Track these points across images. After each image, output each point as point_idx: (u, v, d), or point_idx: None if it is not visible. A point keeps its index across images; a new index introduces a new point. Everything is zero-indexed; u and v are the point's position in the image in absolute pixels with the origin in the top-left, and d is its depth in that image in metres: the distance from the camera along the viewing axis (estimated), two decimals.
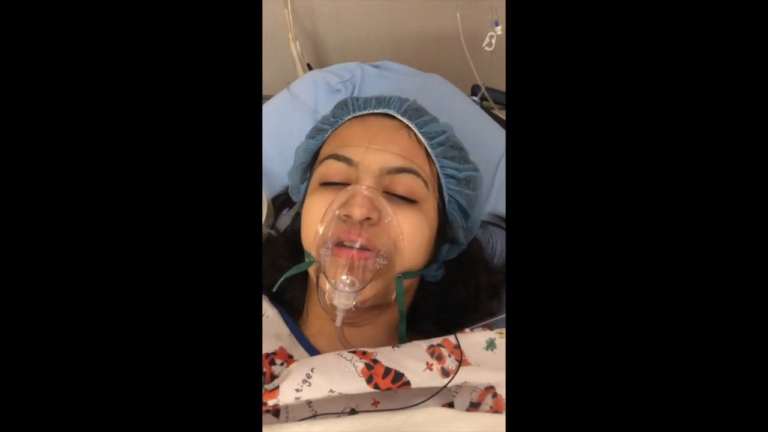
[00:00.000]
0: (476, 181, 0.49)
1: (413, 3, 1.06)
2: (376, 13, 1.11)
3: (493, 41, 0.72)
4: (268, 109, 0.68)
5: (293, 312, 0.49)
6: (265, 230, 0.58)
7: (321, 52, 1.26)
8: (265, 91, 1.44)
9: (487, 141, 0.61)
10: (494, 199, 0.59)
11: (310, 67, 1.17)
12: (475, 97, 0.76)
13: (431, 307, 0.49)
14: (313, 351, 0.44)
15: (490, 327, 0.46)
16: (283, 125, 0.65)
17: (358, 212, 0.39)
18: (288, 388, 0.35)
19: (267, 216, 0.59)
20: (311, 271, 0.44)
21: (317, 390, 0.35)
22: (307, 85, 0.69)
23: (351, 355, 0.37)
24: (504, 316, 0.48)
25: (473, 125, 0.62)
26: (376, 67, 0.71)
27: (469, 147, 0.53)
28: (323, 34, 1.21)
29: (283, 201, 0.59)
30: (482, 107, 0.79)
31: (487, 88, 0.77)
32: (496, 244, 0.55)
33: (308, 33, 1.21)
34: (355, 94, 0.67)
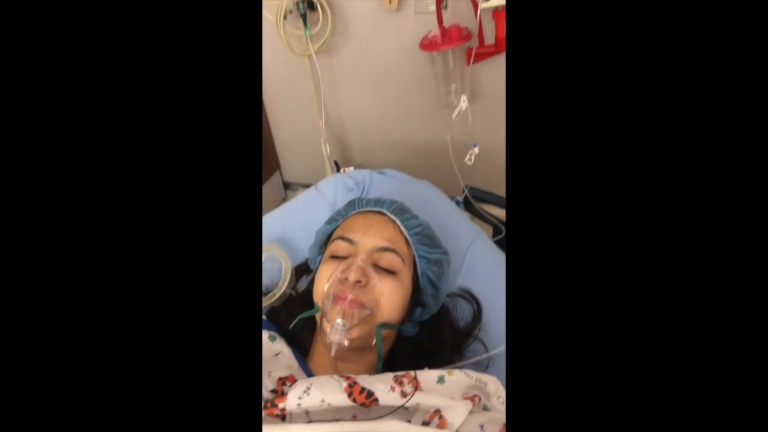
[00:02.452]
0: (443, 262, 0.67)
1: (419, 120, 1.32)
2: (391, 124, 1.38)
3: (473, 158, 0.94)
4: (299, 199, 0.90)
5: (303, 351, 0.65)
6: (287, 291, 0.77)
7: (346, 152, 1.52)
8: (299, 180, 1.73)
9: (459, 233, 0.80)
10: (462, 277, 0.76)
11: (336, 164, 1.42)
12: (458, 198, 0.96)
13: (404, 354, 0.64)
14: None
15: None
16: (310, 213, 0.86)
17: (352, 276, 0.57)
18: (293, 396, 0.50)
19: (290, 280, 0.78)
20: (317, 317, 0.61)
21: (313, 399, 0.50)
22: (330, 183, 0.91)
23: (339, 377, 0.52)
24: (458, 365, 0.63)
25: (449, 220, 0.82)
26: (382, 173, 0.93)
27: (445, 236, 0.72)
28: (349, 139, 1.48)
29: (303, 269, 0.78)
30: (468, 203, 0.99)
31: (470, 188, 0.98)
32: (462, 311, 0.71)
33: (337, 137, 1.49)
34: (364, 193, 0.88)
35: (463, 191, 0.98)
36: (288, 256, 0.79)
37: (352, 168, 0.99)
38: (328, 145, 1.37)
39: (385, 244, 0.62)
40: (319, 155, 1.39)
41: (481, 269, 0.76)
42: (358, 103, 1.37)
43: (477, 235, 0.82)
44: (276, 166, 1.60)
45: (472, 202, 0.96)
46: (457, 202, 0.95)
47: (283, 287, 0.75)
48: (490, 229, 1.00)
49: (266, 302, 0.74)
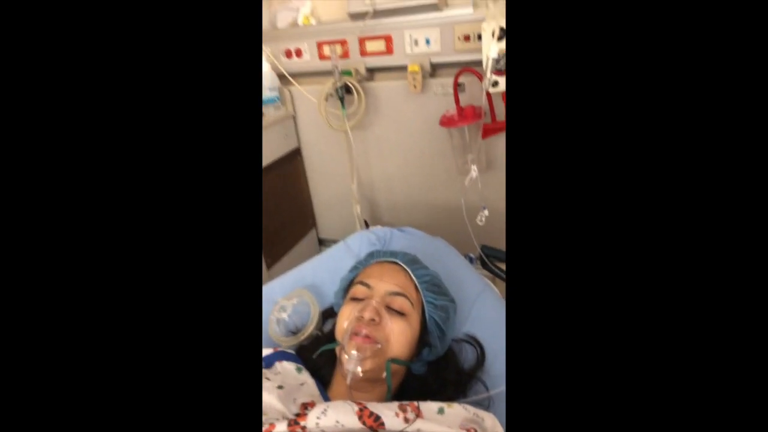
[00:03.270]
0: (448, 308, 0.76)
1: (439, 185, 1.46)
2: (415, 188, 1.53)
3: (483, 219, 1.06)
4: (330, 252, 1.03)
5: (324, 382, 0.74)
6: (314, 332, 0.87)
7: (375, 211, 1.67)
8: (332, 237, 1.88)
9: (468, 285, 0.90)
10: (469, 325, 0.84)
11: (366, 223, 1.56)
12: (471, 254, 1.06)
13: (411, 391, 0.72)
14: None
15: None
16: (337, 264, 0.99)
17: (367, 314, 0.68)
18: (312, 416, 0.59)
19: (317, 322, 0.89)
20: (337, 351, 0.71)
21: (329, 420, 0.59)
22: (357, 239, 1.04)
23: (352, 402, 0.61)
24: (460, 402, 0.70)
25: (459, 273, 0.92)
26: (402, 231, 1.05)
27: (455, 287, 0.82)
28: (378, 200, 1.64)
29: (329, 313, 0.89)
30: (485, 259, 1.08)
31: (483, 246, 1.08)
32: (467, 354, 0.79)
33: (368, 199, 1.65)
34: (385, 248, 1.01)
35: (478, 249, 1.08)
36: (317, 301, 0.91)
37: (379, 226, 1.12)
38: (359, 205, 1.52)
39: (396, 289, 0.73)
40: (351, 214, 1.55)
41: (487, 318, 0.85)
42: (387, 170, 1.54)
43: (484, 287, 0.91)
44: (312, 224, 1.77)
45: (485, 258, 1.06)
46: (470, 259, 1.05)
47: (310, 328, 0.86)
48: (503, 284, 1.08)
49: (296, 341, 0.85)
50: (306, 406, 0.66)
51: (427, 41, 1.30)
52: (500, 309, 0.87)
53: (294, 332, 0.87)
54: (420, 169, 1.47)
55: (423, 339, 0.74)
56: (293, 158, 1.60)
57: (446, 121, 1.23)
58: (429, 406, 0.63)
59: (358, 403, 0.61)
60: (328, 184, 1.67)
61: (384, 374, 0.68)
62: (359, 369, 0.65)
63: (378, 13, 1.30)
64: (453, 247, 0.99)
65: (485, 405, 0.72)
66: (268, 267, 1.47)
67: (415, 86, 1.32)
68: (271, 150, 1.47)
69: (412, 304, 0.73)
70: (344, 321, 0.71)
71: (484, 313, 0.86)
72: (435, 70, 1.35)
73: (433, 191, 1.48)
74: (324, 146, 1.59)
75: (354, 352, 0.66)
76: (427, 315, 0.75)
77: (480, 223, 1.03)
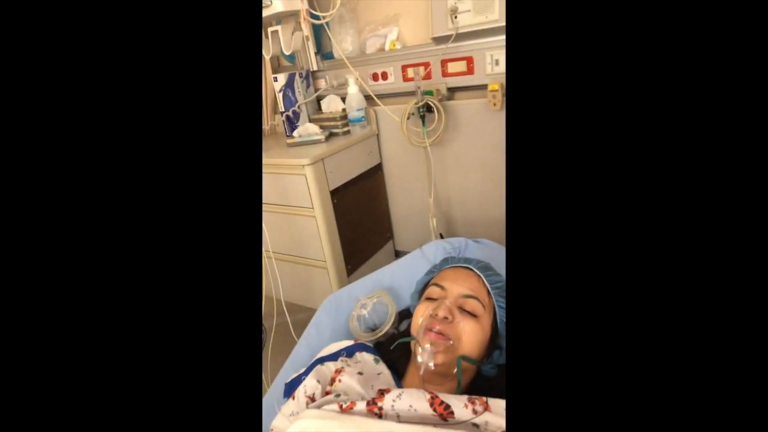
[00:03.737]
0: None
1: None
2: (490, 204, 1.55)
3: None
4: (407, 258, 1.10)
5: (399, 374, 0.80)
6: (391, 330, 0.94)
7: (451, 226, 1.72)
8: (408, 249, 1.96)
9: None
10: None
11: (441, 236, 1.62)
12: None
13: (481, 390, 0.75)
14: None
15: None
16: (414, 269, 1.05)
17: (441, 313, 0.73)
18: (389, 398, 0.65)
19: (394, 321, 0.96)
20: (412, 345, 0.77)
21: (403, 403, 0.65)
22: (432, 247, 1.10)
23: (424, 391, 0.67)
24: None
25: None
26: (477, 242, 1.09)
27: None
28: (454, 215, 1.68)
29: (405, 314, 0.96)
30: None
31: None
32: None
33: (444, 213, 1.70)
34: (459, 256, 1.05)
35: None
36: (394, 302, 0.98)
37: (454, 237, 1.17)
38: (435, 219, 1.58)
39: (469, 292, 0.77)
40: (426, 228, 1.61)
41: None
42: (464, 185, 1.59)
43: None
44: (390, 236, 1.86)
45: None
46: None
47: (388, 326, 0.93)
48: None
49: (373, 337, 0.93)
50: (383, 392, 0.73)
51: None
52: None
53: (372, 329, 0.95)
54: (496, 185, 1.49)
55: (494, 342, 0.77)
56: (375, 173, 1.72)
57: None
58: (498, 403, 0.67)
59: (430, 392, 0.67)
60: (406, 198, 1.76)
61: (455, 370, 0.73)
62: (432, 362, 0.71)
63: (460, 36, 1.37)
64: None
65: None
66: (348, 274, 1.58)
67: (495, 104, 1.37)
68: (356, 165, 1.60)
69: (484, 307, 0.77)
70: (419, 318, 0.77)
71: None
72: None
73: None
74: (404, 162, 1.68)
75: (428, 346, 0.71)
76: (498, 319, 0.78)
77: None
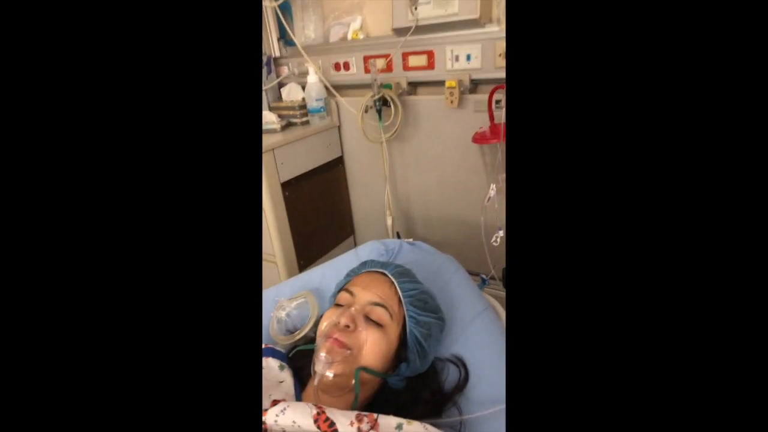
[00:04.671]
0: (431, 325, 0.75)
1: (473, 202, 1.42)
2: (449, 204, 1.51)
3: (498, 239, 1.02)
4: (340, 258, 1.06)
5: (303, 382, 0.77)
6: (310, 333, 0.90)
7: (411, 225, 1.67)
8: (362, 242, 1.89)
9: (466, 305, 0.87)
10: (459, 346, 0.81)
11: (398, 235, 1.57)
12: (483, 275, 1.03)
13: (382, 403, 0.72)
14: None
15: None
16: (344, 271, 1.01)
17: (343, 321, 0.69)
18: (271, 413, 0.62)
19: (315, 324, 0.92)
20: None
21: (287, 419, 0.61)
22: (366, 248, 1.06)
23: (312, 405, 0.63)
24: (430, 421, 0.68)
25: (459, 292, 0.89)
26: (412, 244, 1.05)
27: (450, 306, 0.81)
28: (414, 213, 1.64)
29: None
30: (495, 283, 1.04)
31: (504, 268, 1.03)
32: (449, 375, 0.76)
33: (404, 211, 1.66)
34: (392, 259, 1.01)
35: (492, 270, 1.04)
36: (318, 304, 0.94)
37: (411, 239, 1.13)
38: (391, 217, 1.54)
39: (377, 299, 0.73)
40: (383, 227, 1.57)
41: (480, 341, 0.81)
42: (423, 184, 1.54)
43: (483, 310, 0.87)
44: (351, 231, 1.82)
45: (497, 280, 1.02)
46: (483, 280, 1.01)
47: (306, 329, 0.89)
48: None
49: (291, 340, 0.89)
50: (276, 403, 0.69)
51: (468, 57, 1.29)
52: (497, 333, 0.83)
53: (292, 332, 0.91)
54: (455, 185, 1.45)
55: (400, 353, 0.73)
56: (335, 166, 1.67)
57: (478, 138, 1.21)
58: (388, 421, 0.63)
59: (318, 407, 0.63)
60: (367, 194, 1.71)
61: (353, 381, 0.69)
62: (327, 372, 0.67)
63: (420, 29, 1.32)
64: (462, 266, 0.97)
65: (456, 429, 0.70)
66: (301, 269, 1.54)
67: (452, 102, 1.32)
68: (313, 157, 1.55)
69: (391, 316, 0.73)
70: (323, 324, 0.73)
71: (478, 336, 0.82)
72: (476, 86, 1.33)
73: (467, 208, 1.45)
74: (365, 156, 1.63)
75: (323, 355, 0.67)
76: (407, 329, 0.74)
77: (495, 244, 1.00)
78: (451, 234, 1.51)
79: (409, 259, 0.98)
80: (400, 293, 0.76)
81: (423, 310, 0.75)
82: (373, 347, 0.69)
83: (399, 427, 0.62)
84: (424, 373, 0.75)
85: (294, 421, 0.60)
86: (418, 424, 0.63)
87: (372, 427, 0.61)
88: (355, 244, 1.85)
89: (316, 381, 0.67)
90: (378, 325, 0.71)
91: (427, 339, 0.74)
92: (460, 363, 0.78)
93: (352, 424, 0.61)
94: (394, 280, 0.77)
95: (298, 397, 0.72)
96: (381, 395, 0.73)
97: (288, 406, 0.62)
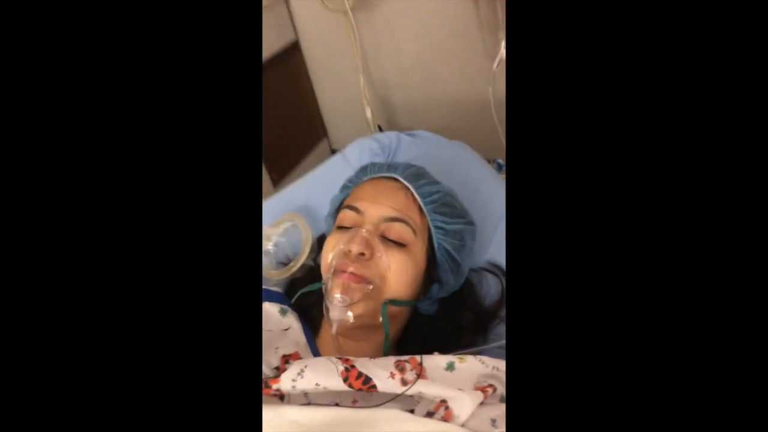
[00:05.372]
0: (464, 233, 0.59)
1: (466, 76, 1.20)
2: (437, 82, 1.28)
3: None
4: (324, 166, 0.86)
5: (314, 327, 0.62)
6: (308, 262, 0.74)
7: (391, 114, 1.45)
8: (338, 146, 1.69)
9: (492, 200, 0.71)
10: (493, 250, 0.67)
11: (380, 128, 1.36)
12: (500, 160, 0.86)
13: (417, 335, 0.59)
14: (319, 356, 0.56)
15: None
16: (335, 182, 0.81)
17: (355, 248, 0.52)
18: (287, 378, 0.47)
19: (312, 251, 0.75)
20: (324, 290, 0.58)
21: (307, 382, 0.47)
22: (355, 149, 0.85)
23: (336, 360, 0.48)
24: (478, 348, 0.56)
25: (482, 186, 0.73)
26: (411, 135, 0.85)
27: (477, 204, 0.64)
28: (393, 100, 1.40)
29: (324, 240, 0.75)
30: None
31: None
32: (489, 288, 0.63)
33: (381, 99, 1.41)
34: (390, 158, 0.82)
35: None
36: (310, 226, 0.76)
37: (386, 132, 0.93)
38: (370, 108, 1.30)
39: (393, 213, 0.56)
40: (364, 119, 1.34)
41: None
42: (402, 62, 1.28)
43: None
44: (323, 133, 1.58)
45: None
46: (499, 166, 0.85)
47: (302, 258, 0.73)
48: None
49: (286, 273, 0.72)
50: (287, 360, 0.55)
51: None
52: None
53: (286, 263, 0.74)
54: (441, 56, 1.20)
55: (431, 273, 0.58)
56: (291, 55, 1.36)
57: None
58: (435, 362, 0.50)
59: (345, 360, 0.48)
60: (335, 84, 1.44)
61: (380, 319, 0.55)
62: (348, 315, 0.52)
63: None
64: (478, 153, 0.79)
65: None
66: (275, 184, 1.33)
67: None
68: (264, 45, 1.24)
69: (414, 231, 0.56)
70: (329, 254, 0.56)
71: None
72: None
73: (458, 83, 1.23)
74: (326, 36, 1.33)
75: (338, 296, 0.51)
76: (435, 243, 0.58)
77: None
78: (445, 119, 1.30)
79: (413, 155, 0.78)
80: (419, 200, 0.58)
81: (451, 216, 0.59)
82: (398, 274, 0.54)
83: (450, 366, 0.50)
84: (459, 291, 0.61)
85: (318, 384, 0.46)
86: (473, 358, 0.50)
87: (419, 375, 0.47)
88: (331, 147, 1.62)
89: (334, 329, 0.52)
90: (400, 245, 0.55)
91: (461, 251, 0.59)
92: (499, 271, 0.64)
93: (393, 376, 0.47)
94: (408, 184, 0.59)
95: (313, 348, 0.58)
96: (414, 326, 0.60)
97: (306, 366, 0.47)
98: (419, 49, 1.23)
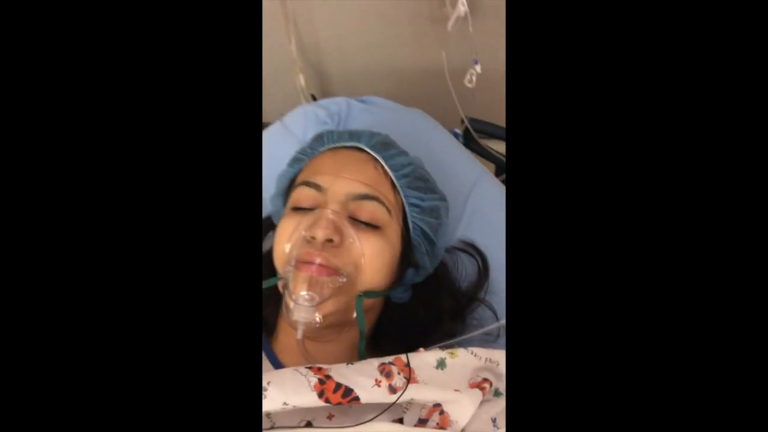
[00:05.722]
0: (440, 210, 0.52)
1: (409, 40, 1.12)
2: (377, 48, 1.18)
3: (474, 78, 0.77)
4: (264, 139, 0.73)
5: (267, 329, 0.52)
6: None
7: (325, 84, 1.33)
8: (267, 120, 1.52)
9: (459, 171, 0.65)
10: (464, 226, 0.62)
11: (314, 98, 1.23)
12: (456, 129, 0.81)
13: (394, 327, 0.52)
14: (279, 366, 0.47)
15: (450, 348, 0.48)
16: (274, 154, 0.70)
17: (321, 233, 0.43)
18: None
19: None
20: (280, 287, 0.48)
21: (272, 402, 0.37)
22: (298, 117, 0.74)
23: (306, 370, 0.40)
24: (463, 337, 0.51)
25: (447, 157, 0.66)
26: (362, 101, 0.76)
27: (443, 177, 0.57)
28: (328, 67, 1.28)
29: (268, 225, 0.63)
30: (469, 137, 0.83)
31: (471, 120, 0.82)
32: (463, 269, 0.58)
33: (314, 67, 1.29)
34: (340, 127, 0.72)
35: (462, 122, 0.81)
36: None
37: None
38: (302, 75, 1.18)
39: (363, 189, 0.47)
40: (294, 89, 1.21)
41: (487, 216, 0.62)
42: (337, 26, 1.17)
43: (481, 174, 0.67)
44: None
45: (473, 135, 0.80)
46: (456, 135, 0.79)
47: None
48: (493, 167, 0.85)
49: None
50: None
51: None
52: (502, 202, 0.64)
53: None
54: (381, 19, 1.11)
55: (406, 257, 0.51)
56: None
57: None
58: (423, 360, 0.43)
59: (317, 370, 0.40)
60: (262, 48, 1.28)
61: (354, 314, 0.46)
62: (316, 317, 0.43)
63: None
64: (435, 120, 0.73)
65: (494, 335, 0.53)
66: None
67: None
68: None
69: (388, 210, 0.48)
70: (285, 243, 0.46)
71: (482, 209, 0.63)
72: None
73: (401, 49, 1.14)
74: None
75: (304, 293, 0.42)
76: (410, 223, 0.51)
77: (470, 86, 0.75)
78: (388, 89, 1.21)
79: (367, 124, 0.69)
80: (391, 174, 0.50)
81: (425, 192, 0.51)
82: (374, 261, 0.46)
83: (441, 364, 0.43)
84: (432, 275, 0.54)
85: (286, 403, 0.37)
86: (464, 351, 0.45)
87: (408, 378, 0.40)
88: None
89: (299, 333, 0.43)
90: (373, 227, 0.47)
91: (437, 230, 0.52)
92: (473, 249, 0.59)
93: (378, 383, 0.40)
94: (376, 155, 0.50)
95: (270, 355, 0.48)
96: (387, 318, 0.52)
97: (269, 382, 0.38)
98: (355, 11, 1.12)
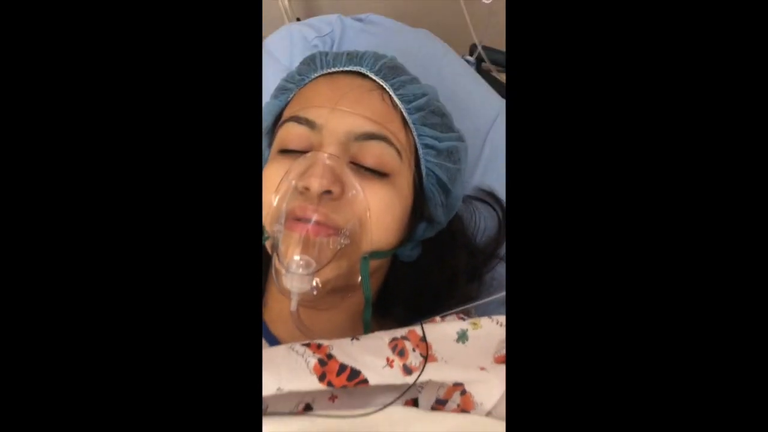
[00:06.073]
0: (459, 152, 0.43)
1: None
2: None
3: None
4: None
5: None
6: None
7: (312, 5, 1.18)
8: None
9: (477, 106, 0.56)
10: (481, 171, 0.54)
11: (298, 20, 1.09)
12: (470, 57, 0.70)
13: (402, 290, 0.45)
14: (271, 338, 0.40)
15: (468, 314, 0.42)
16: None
17: (316, 184, 0.34)
18: None
19: None
20: (268, 248, 0.40)
21: (264, 388, 0.31)
22: (282, 40, 0.62)
23: (304, 348, 0.33)
24: (483, 301, 0.44)
25: (462, 88, 0.56)
26: (359, 20, 0.64)
27: (456, 113, 0.48)
28: None
29: None
30: (479, 69, 0.73)
31: (484, 48, 0.70)
32: (480, 221, 0.50)
33: None
34: (333, 50, 0.61)
35: (475, 48, 0.70)
36: None
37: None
38: None
39: (368, 127, 0.38)
40: (275, 9, 1.06)
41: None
42: None
43: (501, 110, 0.57)
44: None
45: (490, 66, 0.69)
46: (468, 62, 0.68)
47: None
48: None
49: None
50: None
51: None
52: None
53: None
54: None
55: (418, 209, 0.43)
56: None
57: None
58: (441, 332, 0.37)
59: (317, 348, 0.33)
60: None
61: (359, 278, 0.39)
62: (313, 286, 0.35)
63: None
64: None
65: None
66: None
67: None
68: None
69: (399, 153, 0.39)
70: (273, 195, 0.37)
71: (503, 152, 0.54)
72: None
73: None
74: None
75: (297, 258, 0.34)
76: (423, 169, 0.42)
77: (486, 2, 0.63)
78: (386, 8, 1.07)
79: (365, 46, 0.58)
80: (401, 107, 0.40)
81: (441, 130, 0.42)
82: (382, 217, 0.38)
83: (462, 336, 0.37)
84: (447, 229, 0.47)
85: (280, 388, 0.31)
86: (488, 321, 0.38)
87: (425, 356, 0.34)
88: None
89: (293, 305, 0.36)
90: (380, 174, 0.38)
91: (455, 178, 0.44)
92: (492, 199, 0.51)
93: (390, 363, 0.33)
94: (383, 82, 0.40)
95: (262, 329, 0.41)
96: (395, 279, 0.45)
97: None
98: None
